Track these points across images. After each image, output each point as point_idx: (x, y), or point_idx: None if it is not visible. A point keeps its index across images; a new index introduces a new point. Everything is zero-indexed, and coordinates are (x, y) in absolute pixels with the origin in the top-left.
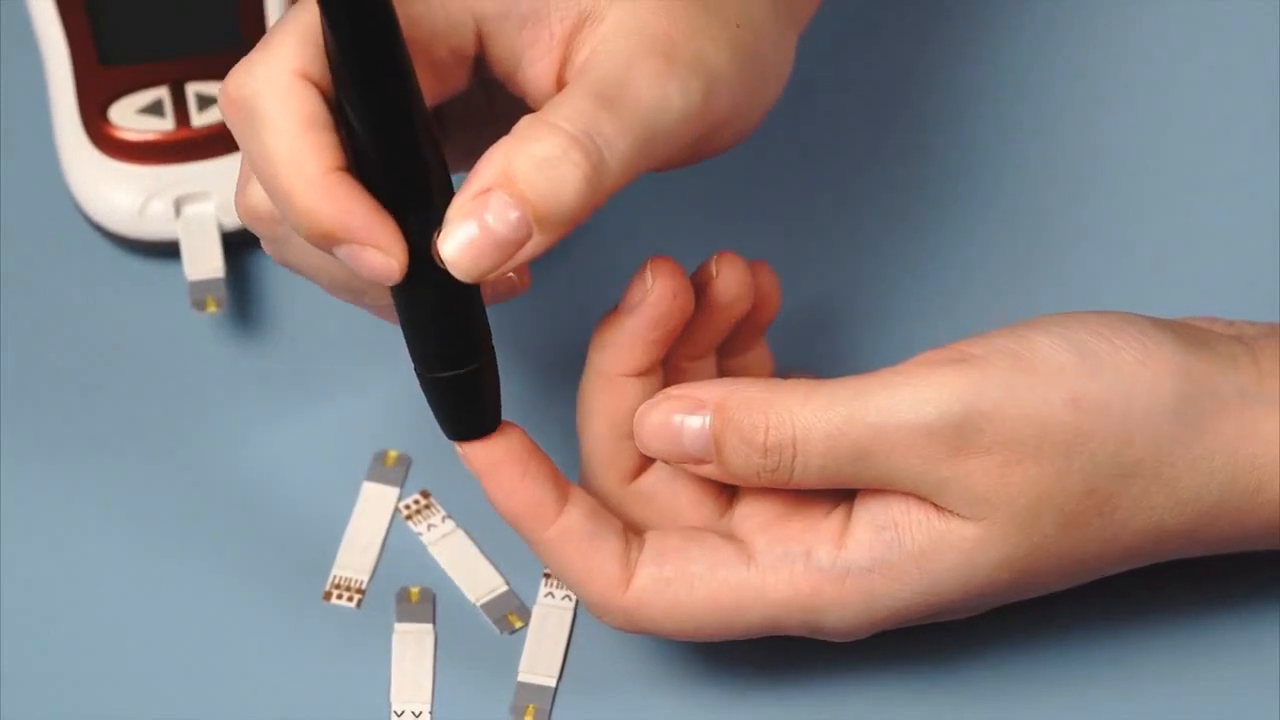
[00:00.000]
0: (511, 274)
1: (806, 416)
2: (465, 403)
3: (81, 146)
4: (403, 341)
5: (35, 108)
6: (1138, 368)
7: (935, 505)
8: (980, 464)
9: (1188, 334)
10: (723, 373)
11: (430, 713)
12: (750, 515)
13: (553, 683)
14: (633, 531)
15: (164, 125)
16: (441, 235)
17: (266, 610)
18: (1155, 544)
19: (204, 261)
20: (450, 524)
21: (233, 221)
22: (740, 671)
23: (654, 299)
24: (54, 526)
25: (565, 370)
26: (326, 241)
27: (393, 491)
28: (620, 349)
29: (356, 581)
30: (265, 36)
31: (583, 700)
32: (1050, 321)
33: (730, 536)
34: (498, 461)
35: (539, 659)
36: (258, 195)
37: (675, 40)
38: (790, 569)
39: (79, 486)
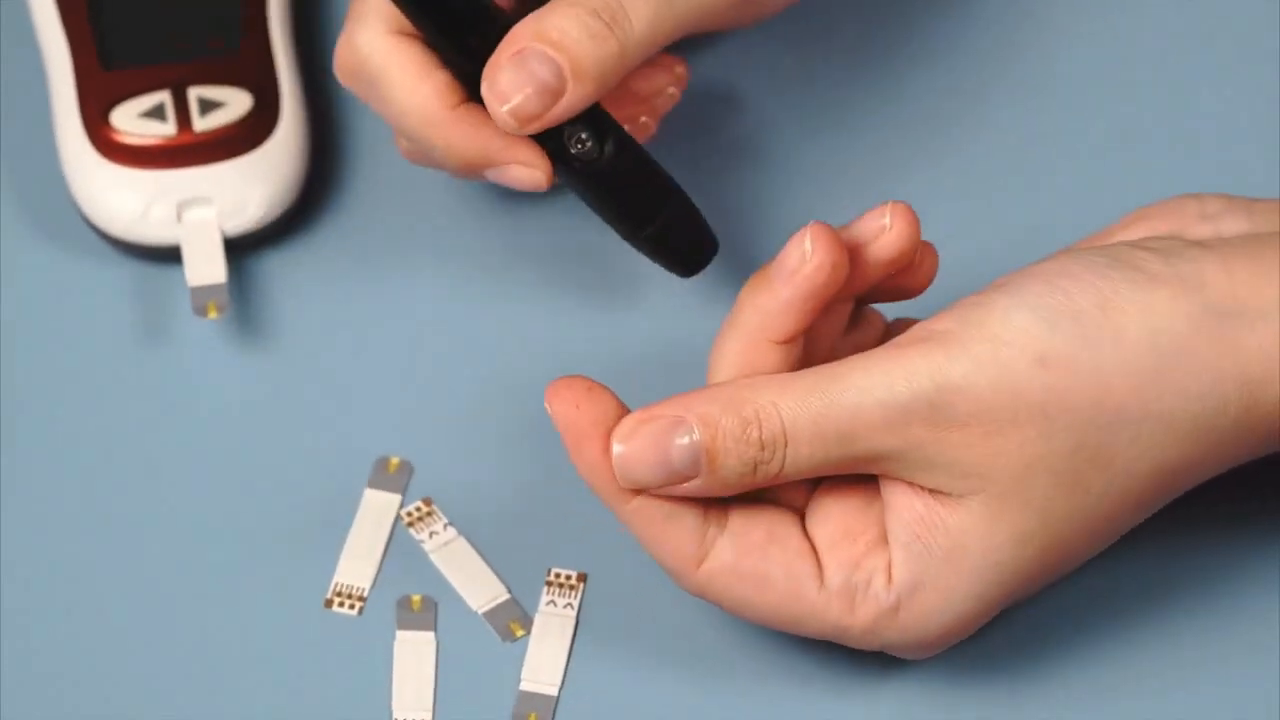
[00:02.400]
0: (646, 119)
1: (790, 405)
2: (677, 245)
3: (83, 151)
4: (406, 349)
5: (37, 112)
6: (1097, 314)
7: (932, 494)
8: (962, 437)
9: (1146, 262)
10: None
11: None
12: (821, 523)
13: (555, 691)
14: (715, 503)
15: (166, 130)
16: (484, 87)
17: (268, 617)
18: (1166, 483)
19: (206, 267)
20: (452, 531)
21: (234, 227)
22: (745, 681)
23: (811, 270)
24: (53, 532)
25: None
26: (474, 169)
27: (394, 498)
28: (772, 315)
29: (358, 589)
30: (351, 9)
31: (584, 709)
32: (1007, 282)
33: (808, 535)
34: (582, 432)
35: (541, 667)
36: (404, 144)
37: None
38: (852, 598)
39: (79, 491)
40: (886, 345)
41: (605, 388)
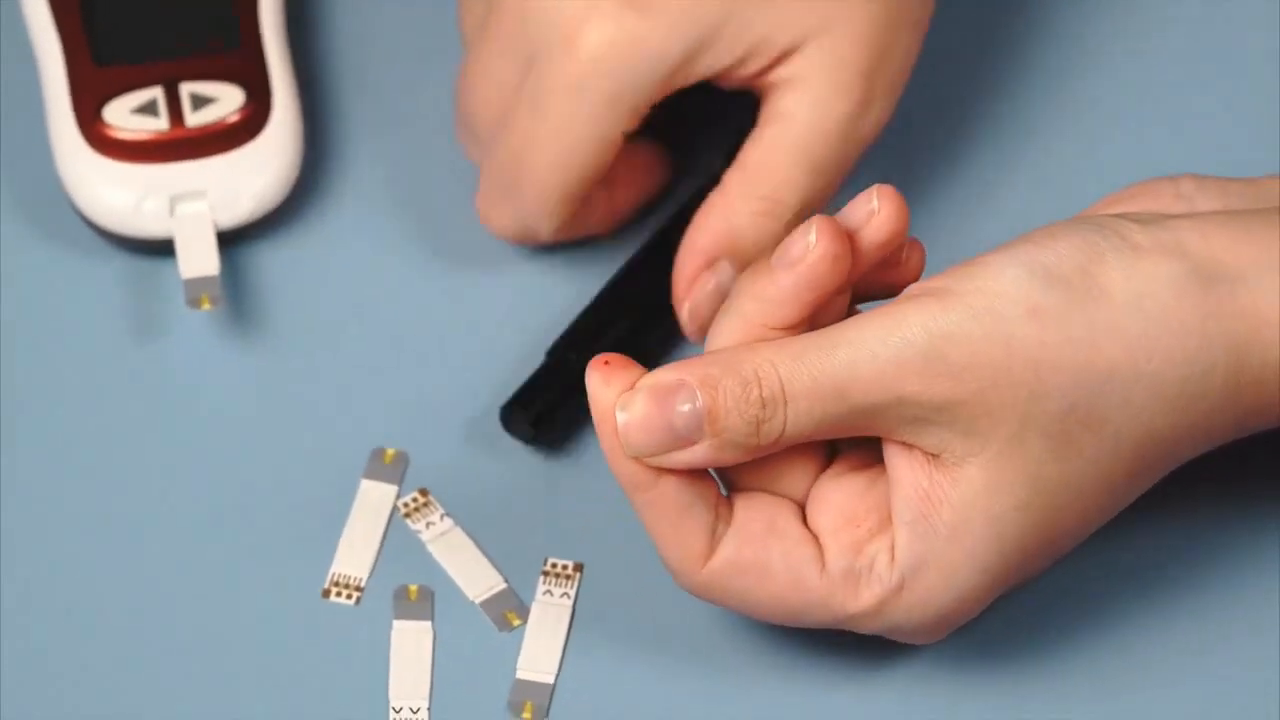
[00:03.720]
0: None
1: (787, 363)
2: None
3: (76, 146)
4: (400, 340)
5: (30, 107)
6: (1083, 277)
7: (934, 463)
8: (957, 390)
9: (1129, 231)
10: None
11: (428, 709)
12: (823, 511)
13: (551, 680)
14: (724, 501)
15: (158, 124)
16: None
17: (266, 608)
18: (1157, 451)
19: (199, 260)
20: (448, 522)
21: (227, 219)
22: (741, 671)
23: (814, 260)
24: (49, 525)
25: None
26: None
27: (391, 489)
28: (774, 304)
29: (355, 579)
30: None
31: (580, 697)
32: (1003, 246)
33: (809, 525)
34: (603, 413)
35: (537, 656)
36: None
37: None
38: (856, 583)
39: (74, 484)
40: (880, 307)
41: (641, 369)
